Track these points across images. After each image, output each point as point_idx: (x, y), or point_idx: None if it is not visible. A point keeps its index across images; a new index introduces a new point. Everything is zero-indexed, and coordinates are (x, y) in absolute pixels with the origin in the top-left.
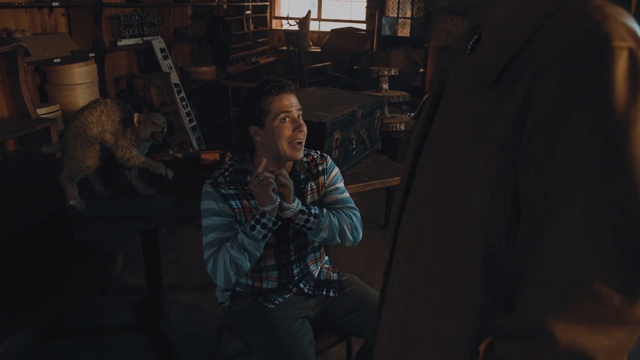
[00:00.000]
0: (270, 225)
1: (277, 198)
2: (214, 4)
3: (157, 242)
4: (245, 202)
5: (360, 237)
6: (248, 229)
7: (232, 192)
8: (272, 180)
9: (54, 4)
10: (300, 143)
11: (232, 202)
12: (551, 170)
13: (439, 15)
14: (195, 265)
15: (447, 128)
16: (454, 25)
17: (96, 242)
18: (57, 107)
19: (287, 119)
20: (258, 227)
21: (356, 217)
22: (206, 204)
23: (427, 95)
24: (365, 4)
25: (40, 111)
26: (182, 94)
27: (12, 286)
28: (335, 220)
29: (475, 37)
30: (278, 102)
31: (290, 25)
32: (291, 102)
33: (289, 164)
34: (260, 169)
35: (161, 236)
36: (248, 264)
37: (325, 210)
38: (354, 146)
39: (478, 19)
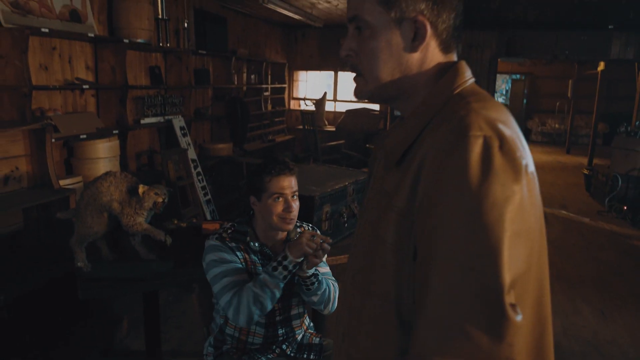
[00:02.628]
0: (290, 267)
1: (303, 258)
2: (233, 86)
3: (157, 306)
4: (246, 255)
5: (335, 307)
6: (270, 269)
7: (235, 245)
8: (312, 250)
9: (84, 86)
10: (290, 219)
11: (238, 254)
12: (429, 235)
13: None
14: (195, 331)
15: (370, 201)
16: None
17: (104, 304)
18: (79, 178)
19: (280, 199)
20: (280, 268)
21: (336, 289)
22: (213, 256)
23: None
24: None
25: (63, 182)
26: (199, 169)
27: (17, 341)
28: (327, 289)
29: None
30: (275, 183)
31: (307, 105)
32: (287, 184)
33: (284, 233)
34: (317, 233)
35: (166, 304)
36: (269, 303)
37: (323, 278)
38: (345, 219)
39: (399, 108)
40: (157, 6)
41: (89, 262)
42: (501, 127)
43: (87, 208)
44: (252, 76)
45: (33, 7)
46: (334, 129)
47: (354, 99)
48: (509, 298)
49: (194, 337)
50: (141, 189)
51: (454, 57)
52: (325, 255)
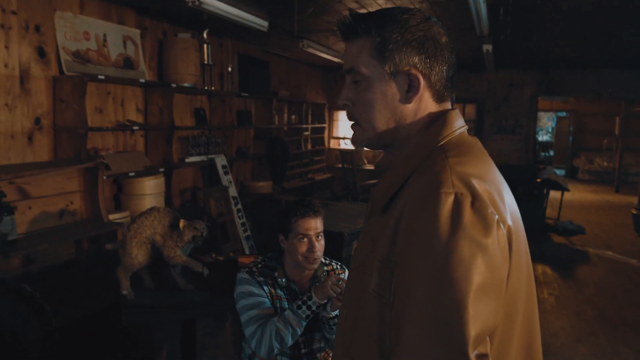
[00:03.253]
0: (314, 308)
1: (327, 300)
2: (274, 126)
3: (194, 334)
4: (273, 290)
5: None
6: (295, 307)
7: (262, 279)
8: (336, 294)
9: (134, 127)
10: (314, 259)
11: (265, 288)
12: (402, 285)
13: (490, 135)
14: None
15: (360, 246)
16: (504, 144)
17: (145, 335)
18: (127, 213)
19: (305, 239)
20: (304, 307)
21: None
22: (242, 288)
23: None
24: None
25: (112, 216)
26: (239, 206)
27: None
28: None
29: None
30: (301, 224)
31: (346, 144)
32: (312, 225)
33: (311, 271)
34: (343, 278)
35: (203, 336)
36: (290, 339)
37: None
38: None
39: (394, 155)
40: (203, 53)
41: (132, 290)
42: (475, 183)
43: (133, 240)
44: (293, 116)
45: (92, 56)
46: (372, 168)
47: None
48: (474, 350)
49: None
50: (182, 223)
51: (448, 106)
52: None
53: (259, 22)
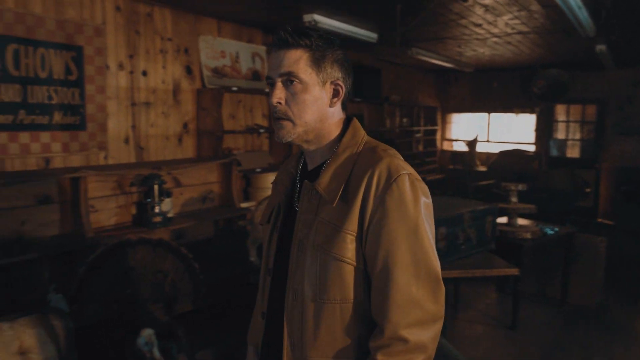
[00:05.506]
0: None
1: None
2: (385, 128)
3: None
4: None
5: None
6: None
7: None
8: None
9: (261, 130)
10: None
11: None
12: (384, 245)
13: (613, 137)
14: None
15: (301, 230)
16: (628, 145)
17: None
18: (254, 203)
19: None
20: None
21: None
22: None
23: (274, 204)
24: (534, 128)
25: (242, 205)
26: None
27: (210, 324)
28: None
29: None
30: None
31: (459, 146)
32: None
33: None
34: None
35: None
36: None
37: None
38: (461, 242)
39: (310, 148)
40: None
41: (257, 257)
42: (408, 166)
43: (258, 218)
44: (404, 119)
45: (227, 71)
46: (485, 169)
47: (507, 140)
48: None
49: None
50: None
51: (346, 114)
52: None
53: (369, 35)
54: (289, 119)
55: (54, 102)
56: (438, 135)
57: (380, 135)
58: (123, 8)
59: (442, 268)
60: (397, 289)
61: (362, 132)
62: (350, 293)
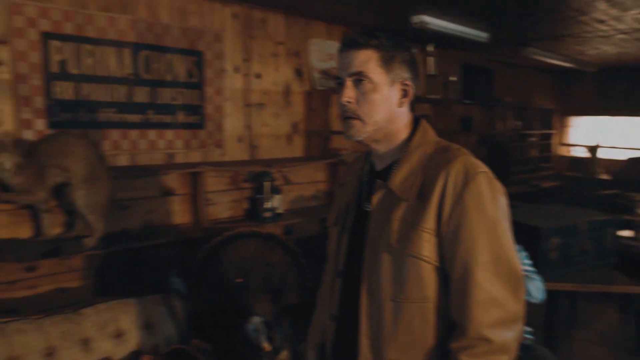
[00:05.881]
0: None
1: None
2: (495, 132)
3: None
4: None
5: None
6: None
7: None
8: None
9: None
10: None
11: None
12: (463, 243)
13: None
14: None
15: (376, 229)
16: None
17: None
18: None
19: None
20: None
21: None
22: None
23: (342, 206)
24: None
25: None
26: None
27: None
28: None
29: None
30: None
31: (578, 151)
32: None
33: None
34: None
35: None
36: None
37: None
38: (575, 254)
39: (379, 148)
40: (427, 64)
41: None
42: (484, 165)
43: None
44: (517, 122)
45: (334, 73)
46: (609, 178)
47: (636, 146)
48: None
49: None
50: None
51: (414, 114)
52: None
53: (479, 35)
54: (359, 118)
55: (177, 102)
56: (554, 140)
57: (491, 138)
58: (240, 15)
59: (553, 279)
60: (478, 288)
61: (432, 131)
62: (429, 292)
